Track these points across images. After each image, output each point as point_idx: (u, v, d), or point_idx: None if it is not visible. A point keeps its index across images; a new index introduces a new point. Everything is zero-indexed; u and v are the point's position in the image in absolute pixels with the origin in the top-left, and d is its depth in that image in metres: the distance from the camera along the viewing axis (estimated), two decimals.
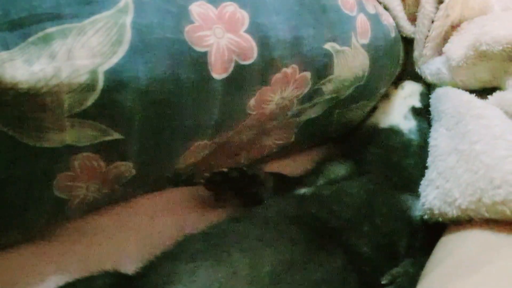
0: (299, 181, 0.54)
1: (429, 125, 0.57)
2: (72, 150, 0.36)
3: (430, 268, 0.37)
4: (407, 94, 0.65)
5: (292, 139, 0.58)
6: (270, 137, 0.55)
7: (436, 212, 0.42)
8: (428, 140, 0.53)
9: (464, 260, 0.35)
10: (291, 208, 0.46)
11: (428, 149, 0.51)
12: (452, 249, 0.38)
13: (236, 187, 0.50)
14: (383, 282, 0.40)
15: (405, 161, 0.55)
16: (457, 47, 0.60)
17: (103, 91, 0.33)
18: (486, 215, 0.36)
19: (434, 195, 0.43)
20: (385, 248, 0.45)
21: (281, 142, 0.57)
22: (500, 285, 0.30)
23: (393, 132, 0.60)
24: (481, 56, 0.54)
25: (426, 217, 0.45)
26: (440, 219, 0.42)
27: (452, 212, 0.40)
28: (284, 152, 0.60)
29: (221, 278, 0.35)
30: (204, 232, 0.42)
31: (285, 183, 0.54)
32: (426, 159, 0.50)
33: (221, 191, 0.50)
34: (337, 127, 0.62)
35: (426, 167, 0.49)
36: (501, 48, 0.51)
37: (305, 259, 0.39)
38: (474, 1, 0.67)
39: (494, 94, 0.51)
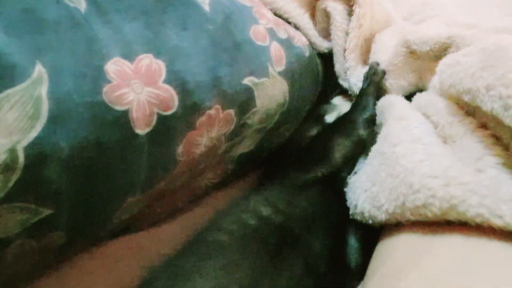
0: None
1: None
2: (3, 243, 0.35)
3: (368, 277, 0.39)
4: None
5: (229, 174, 0.60)
6: (204, 177, 0.56)
7: (366, 215, 0.44)
8: None
9: (398, 265, 0.36)
10: (248, 219, 0.46)
11: None
12: (386, 255, 0.39)
13: None
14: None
15: None
16: (383, 54, 0.64)
17: (25, 168, 0.33)
18: (412, 218, 0.38)
19: (363, 198, 0.45)
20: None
21: (216, 180, 0.59)
22: (430, 285, 0.32)
23: None
24: (411, 53, 0.57)
25: (358, 218, 0.46)
26: (370, 222, 0.43)
27: (381, 216, 0.41)
28: (222, 184, 0.61)
29: None
30: (165, 264, 0.43)
31: None
32: None
33: None
34: (269, 151, 0.65)
35: None
36: (428, 48, 0.54)
37: (268, 274, 0.40)
38: (379, 14, 0.72)
39: (414, 96, 0.54)
